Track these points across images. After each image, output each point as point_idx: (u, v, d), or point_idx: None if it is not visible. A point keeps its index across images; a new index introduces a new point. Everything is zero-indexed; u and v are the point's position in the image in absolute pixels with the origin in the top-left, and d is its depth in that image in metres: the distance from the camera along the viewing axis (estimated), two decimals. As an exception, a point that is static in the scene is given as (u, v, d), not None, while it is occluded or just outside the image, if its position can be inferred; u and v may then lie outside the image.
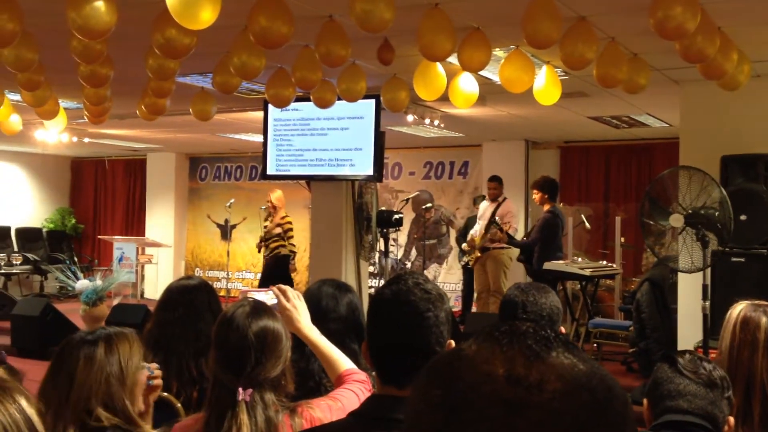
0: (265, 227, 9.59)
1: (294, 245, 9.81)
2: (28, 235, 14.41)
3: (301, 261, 12.95)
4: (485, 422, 0.65)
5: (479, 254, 9.14)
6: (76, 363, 2.17)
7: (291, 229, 9.66)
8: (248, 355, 2.07)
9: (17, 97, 6.90)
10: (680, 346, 6.89)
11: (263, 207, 9.95)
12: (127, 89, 6.76)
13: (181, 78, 6.45)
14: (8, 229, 14.17)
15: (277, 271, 9.42)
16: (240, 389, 2.03)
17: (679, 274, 6.48)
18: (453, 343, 1.76)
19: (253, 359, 2.07)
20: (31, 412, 0.98)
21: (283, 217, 9.60)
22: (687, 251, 5.44)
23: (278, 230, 9.50)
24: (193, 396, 2.80)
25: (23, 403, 0.98)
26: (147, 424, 2.27)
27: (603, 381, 0.68)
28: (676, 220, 5.43)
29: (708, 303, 5.47)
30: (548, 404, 0.65)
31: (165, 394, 2.71)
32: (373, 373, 1.84)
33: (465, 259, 10.08)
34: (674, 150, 7.33)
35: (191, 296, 3.00)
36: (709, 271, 5.55)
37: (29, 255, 13.53)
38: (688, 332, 6.71)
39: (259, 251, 9.90)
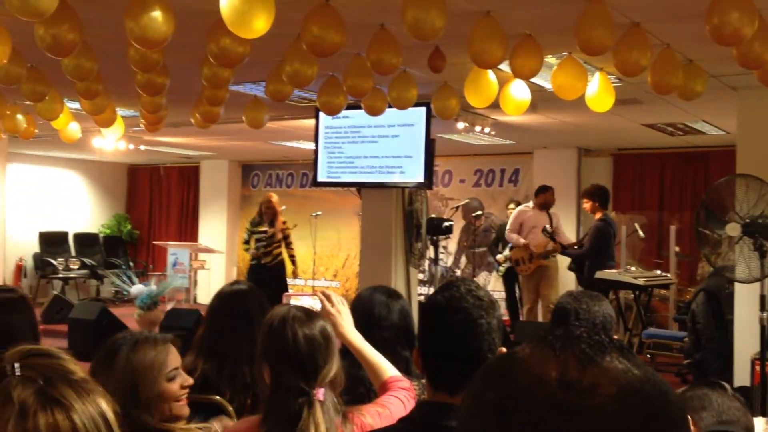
0: (265, 232, 9.27)
1: (294, 251, 9.63)
2: (85, 241, 14.74)
3: (351, 268, 13.02)
4: (537, 425, 0.65)
5: (543, 263, 8.94)
6: (96, 374, 2.12)
7: (290, 235, 9.54)
8: (317, 357, 2.10)
9: (76, 105, 7.07)
10: (736, 358, 6.75)
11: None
12: (182, 98, 6.89)
13: (234, 86, 6.55)
14: (66, 234, 14.51)
15: (283, 281, 9.30)
16: (316, 390, 2.07)
17: (736, 284, 6.35)
18: (504, 350, 1.76)
19: (321, 361, 2.10)
20: (111, 414, 1.02)
21: (284, 222, 9.44)
22: (744, 261, 5.33)
23: (280, 236, 9.32)
24: (247, 403, 2.80)
25: (103, 404, 1.02)
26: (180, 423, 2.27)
27: (658, 387, 0.68)
28: (733, 230, 5.32)
29: (766, 314, 5.34)
30: (601, 408, 0.65)
31: (217, 398, 2.74)
32: (423, 380, 1.84)
33: (502, 269, 9.92)
34: (731, 158, 7.19)
35: (245, 302, 3.01)
36: (767, 281, 5.42)
37: (86, 260, 13.83)
38: (745, 343, 6.57)
39: (256, 259, 9.38)
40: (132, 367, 2.15)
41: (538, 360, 0.69)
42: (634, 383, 0.67)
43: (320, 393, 2.06)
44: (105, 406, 1.02)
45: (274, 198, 9.49)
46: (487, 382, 0.71)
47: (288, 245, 9.53)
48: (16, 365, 1.01)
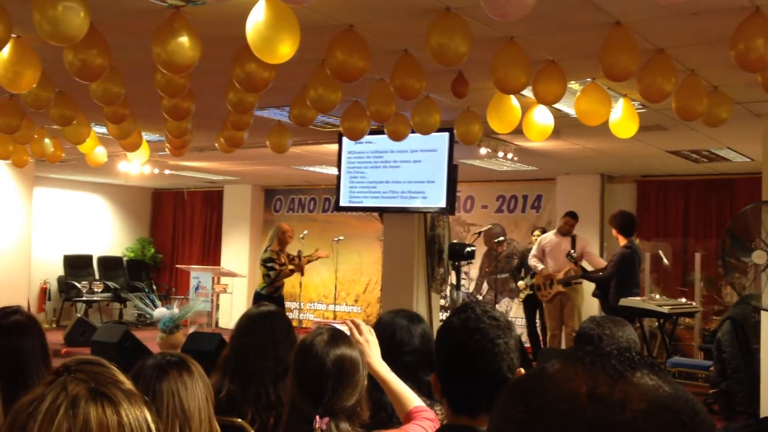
0: (283, 264, 8.90)
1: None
2: (109, 264, 14.85)
3: (373, 293, 13.00)
4: None
5: (561, 289, 8.92)
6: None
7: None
8: (326, 384, 2.08)
9: (103, 129, 7.16)
10: (763, 388, 6.65)
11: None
12: (207, 122, 6.96)
13: (258, 111, 6.60)
14: (90, 257, 14.63)
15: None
16: (317, 417, 2.04)
17: (762, 313, 6.27)
18: (522, 371, 1.75)
19: (330, 388, 2.08)
20: (154, 426, 1.09)
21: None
22: (771, 289, 5.27)
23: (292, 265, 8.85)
24: (269, 422, 2.81)
25: (148, 414, 1.09)
26: None
27: (688, 404, 0.67)
28: (759, 257, 5.26)
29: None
30: (631, 424, 0.64)
31: (239, 420, 2.74)
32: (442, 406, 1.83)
33: (522, 295, 9.98)
34: (757, 185, 7.13)
35: (272, 323, 3.03)
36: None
37: (110, 283, 13.93)
38: (773, 373, 6.47)
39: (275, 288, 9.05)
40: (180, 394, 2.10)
41: (568, 375, 0.69)
42: (664, 399, 0.66)
43: (321, 421, 2.03)
44: (150, 416, 1.09)
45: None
46: (517, 396, 0.70)
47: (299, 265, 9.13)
48: (71, 368, 1.11)
